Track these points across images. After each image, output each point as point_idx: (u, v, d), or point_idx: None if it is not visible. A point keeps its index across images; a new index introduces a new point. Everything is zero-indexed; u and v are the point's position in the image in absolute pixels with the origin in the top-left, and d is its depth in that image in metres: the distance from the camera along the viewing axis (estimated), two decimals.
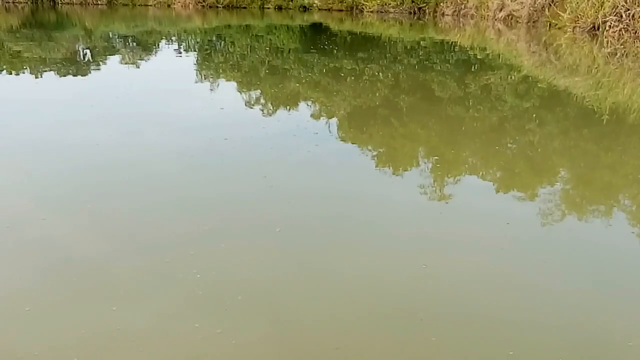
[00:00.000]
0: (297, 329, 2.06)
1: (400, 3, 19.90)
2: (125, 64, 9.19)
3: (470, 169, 4.02)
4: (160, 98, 6.30)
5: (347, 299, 2.25)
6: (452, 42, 11.94)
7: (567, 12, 13.07)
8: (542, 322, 2.11)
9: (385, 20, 17.89)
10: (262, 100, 6.36)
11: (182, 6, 23.67)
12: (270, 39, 12.96)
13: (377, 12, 20.41)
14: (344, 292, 2.29)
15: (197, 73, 8.56)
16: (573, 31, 12.73)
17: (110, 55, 10.27)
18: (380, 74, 8.07)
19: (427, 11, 19.50)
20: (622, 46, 10.55)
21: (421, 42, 12.23)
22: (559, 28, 13.41)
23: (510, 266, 2.55)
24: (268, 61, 9.58)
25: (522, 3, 15.10)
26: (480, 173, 3.94)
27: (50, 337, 2.00)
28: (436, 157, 4.19)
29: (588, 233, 2.99)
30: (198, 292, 2.27)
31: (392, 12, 20.07)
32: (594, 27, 12.27)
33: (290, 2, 22.44)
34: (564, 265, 2.57)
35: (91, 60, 9.62)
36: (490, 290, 2.34)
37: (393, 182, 3.67)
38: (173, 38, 13.89)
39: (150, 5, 24.43)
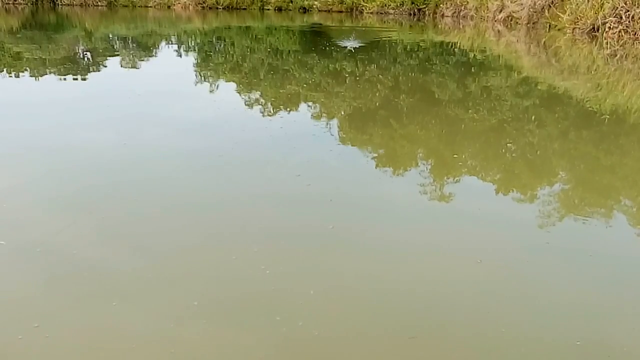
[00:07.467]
0: (308, 335, 2.07)
1: (400, 4, 19.96)
2: (126, 65, 9.21)
3: (474, 170, 4.03)
4: (165, 99, 6.29)
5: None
6: (451, 44, 11.96)
7: (567, 13, 13.11)
8: (543, 324, 2.12)
9: (385, 22, 17.91)
10: (273, 102, 6.38)
11: (182, 7, 23.71)
12: (270, 41, 12.98)
13: (377, 13, 20.45)
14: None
15: (198, 74, 8.56)
16: (573, 32, 12.76)
17: (110, 56, 10.27)
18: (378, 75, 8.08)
19: (426, 12, 19.56)
20: (622, 47, 10.57)
21: (421, 44, 12.25)
22: (559, 29, 13.44)
23: (512, 268, 2.56)
24: (269, 62, 9.59)
25: (521, 4, 15.13)
26: (482, 174, 3.95)
27: (54, 341, 2.00)
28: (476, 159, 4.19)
29: (589, 234, 3.00)
30: (271, 287, 2.31)
31: (391, 14, 20.12)
32: (593, 28, 12.30)
33: (290, 4, 22.50)
34: (565, 266, 2.58)
35: (91, 62, 9.63)
36: (499, 295, 2.35)
37: (398, 181, 3.69)
38: (173, 39, 13.91)
39: (150, 7, 24.48)
